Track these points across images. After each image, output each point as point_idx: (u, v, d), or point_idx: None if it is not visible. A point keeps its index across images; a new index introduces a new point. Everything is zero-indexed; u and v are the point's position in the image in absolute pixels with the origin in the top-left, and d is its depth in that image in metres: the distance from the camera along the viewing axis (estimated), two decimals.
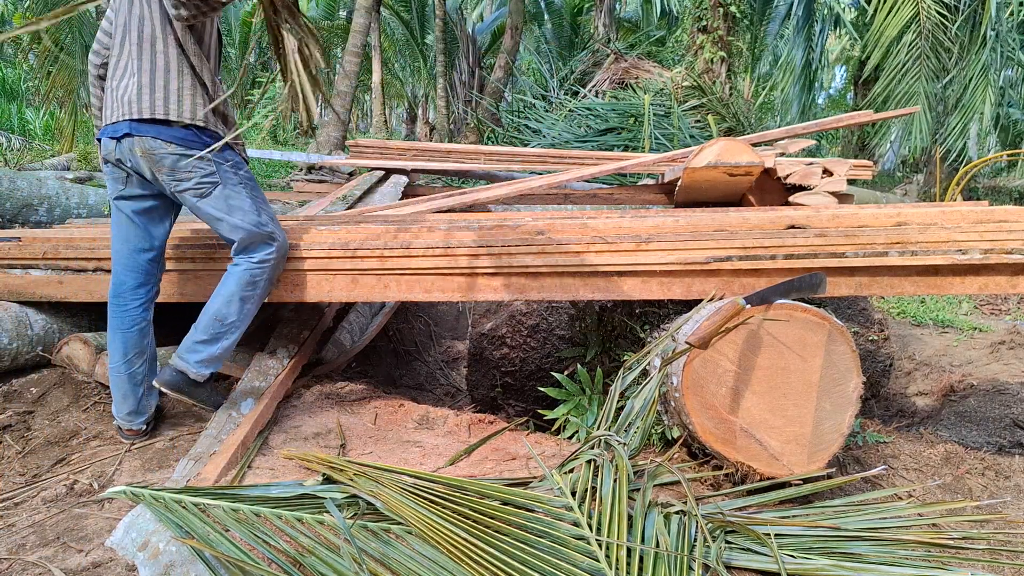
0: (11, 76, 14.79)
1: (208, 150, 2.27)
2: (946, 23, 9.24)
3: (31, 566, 1.73)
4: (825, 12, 12.11)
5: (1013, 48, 9.71)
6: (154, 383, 2.42)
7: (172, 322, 3.22)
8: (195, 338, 2.40)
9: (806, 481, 2.04)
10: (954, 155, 10.29)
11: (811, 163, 3.78)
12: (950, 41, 9.31)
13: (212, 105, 2.33)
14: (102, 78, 2.52)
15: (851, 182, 3.90)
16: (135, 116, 2.25)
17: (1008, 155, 13.33)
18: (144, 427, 2.48)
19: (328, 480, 2.06)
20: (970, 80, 9.33)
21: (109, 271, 2.71)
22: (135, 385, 2.43)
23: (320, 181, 5.56)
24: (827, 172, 3.72)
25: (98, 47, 2.50)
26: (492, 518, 1.81)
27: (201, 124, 2.30)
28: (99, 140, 2.41)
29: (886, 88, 9.49)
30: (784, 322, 2.05)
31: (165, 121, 2.26)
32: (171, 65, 2.28)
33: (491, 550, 1.68)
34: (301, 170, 5.86)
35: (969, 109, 9.33)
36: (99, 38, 2.51)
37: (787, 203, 3.72)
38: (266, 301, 2.70)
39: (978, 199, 10.60)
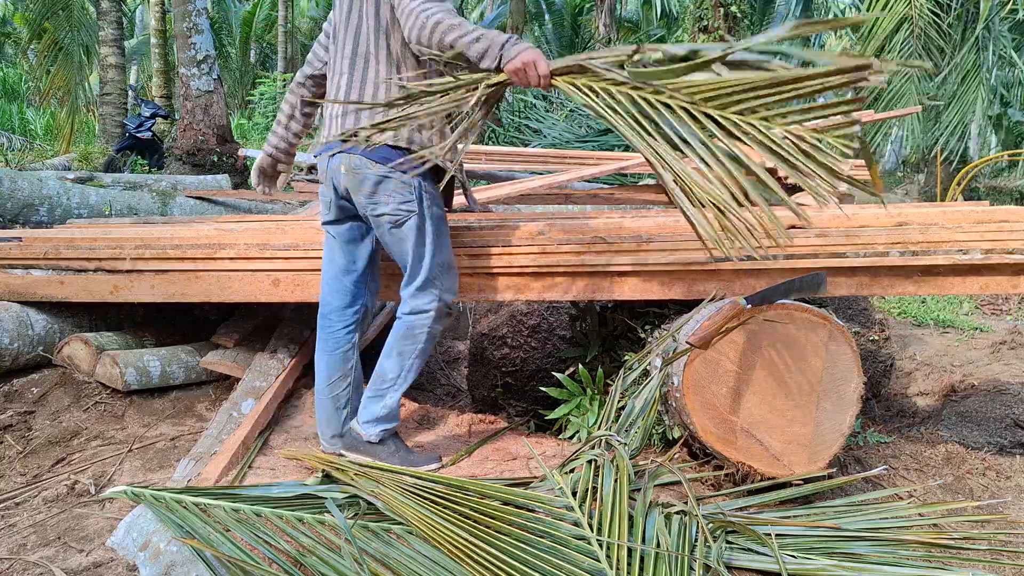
0: (12, 76, 14.80)
1: (408, 161, 2.16)
2: (939, 21, 9.23)
3: (32, 566, 1.73)
4: (823, 12, 12.11)
5: (1005, 47, 9.70)
6: (342, 450, 2.38)
7: (172, 322, 3.22)
8: (366, 396, 2.37)
9: (807, 481, 2.04)
10: (947, 153, 10.28)
11: None
12: (942, 40, 9.29)
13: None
14: (303, 86, 2.52)
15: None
16: (339, 136, 2.20)
17: (1009, 155, 13.34)
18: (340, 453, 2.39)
19: (329, 480, 2.06)
20: (962, 79, 9.31)
21: (109, 271, 2.72)
22: (337, 409, 2.38)
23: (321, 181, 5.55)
24: None
25: (312, 58, 2.49)
26: (493, 518, 1.81)
27: (404, 146, 2.20)
28: (315, 156, 2.38)
29: (878, 86, 9.48)
30: (785, 322, 2.05)
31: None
32: (381, 84, 2.22)
33: (492, 550, 1.68)
34: (302, 170, 5.86)
35: (962, 108, 9.31)
36: (315, 50, 2.48)
37: None
38: (266, 302, 2.71)
39: (979, 199, 10.61)
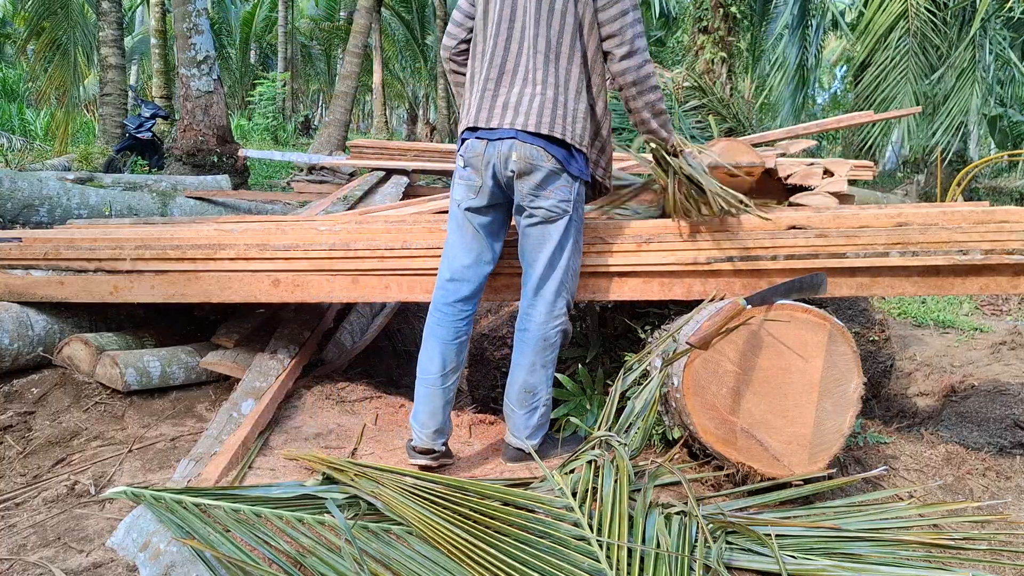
0: (12, 77, 14.80)
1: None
2: (935, 20, 9.22)
3: (32, 566, 1.73)
4: (821, 12, 12.10)
5: (1003, 46, 9.69)
6: (505, 462, 2.39)
7: (173, 322, 3.22)
8: (516, 412, 2.35)
9: (807, 482, 2.04)
10: (940, 152, 10.26)
11: (812, 163, 3.78)
12: (938, 38, 9.28)
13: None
14: (457, 65, 2.47)
15: (852, 182, 3.89)
16: (530, 129, 2.19)
17: (1009, 155, 13.33)
18: (444, 448, 2.34)
19: (329, 480, 2.06)
20: (957, 77, 9.30)
21: (109, 272, 2.72)
22: (446, 402, 2.32)
23: (321, 182, 5.56)
24: (828, 173, 3.71)
25: (458, 32, 2.42)
26: (493, 518, 1.81)
27: (581, 148, 2.25)
28: (462, 141, 2.34)
29: (874, 84, 9.47)
30: (785, 323, 2.05)
31: (555, 139, 2.20)
32: (571, 84, 2.24)
33: (492, 550, 1.68)
34: (302, 171, 5.86)
35: (957, 105, 9.29)
36: (459, 24, 2.41)
37: (788, 203, 3.71)
38: (266, 302, 2.71)
39: (979, 199, 10.60)
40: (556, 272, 2.28)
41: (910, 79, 9.17)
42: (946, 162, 11.71)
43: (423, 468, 2.26)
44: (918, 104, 9.08)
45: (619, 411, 2.33)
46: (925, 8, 9.14)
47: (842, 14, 13.60)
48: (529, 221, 2.28)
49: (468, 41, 2.41)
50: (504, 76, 2.27)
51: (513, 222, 2.41)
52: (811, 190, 3.67)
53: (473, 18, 2.38)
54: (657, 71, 2.28)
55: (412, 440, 2.34)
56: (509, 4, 2.27)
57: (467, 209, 2.32)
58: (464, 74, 2.46)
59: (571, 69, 2.24)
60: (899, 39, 9.24)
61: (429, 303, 2.43)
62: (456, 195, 2.35)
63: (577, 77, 2.24)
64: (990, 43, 9.34)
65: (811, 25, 12.12)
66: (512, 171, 2.21)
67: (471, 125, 2.30)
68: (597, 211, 2.95)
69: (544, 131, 2.18)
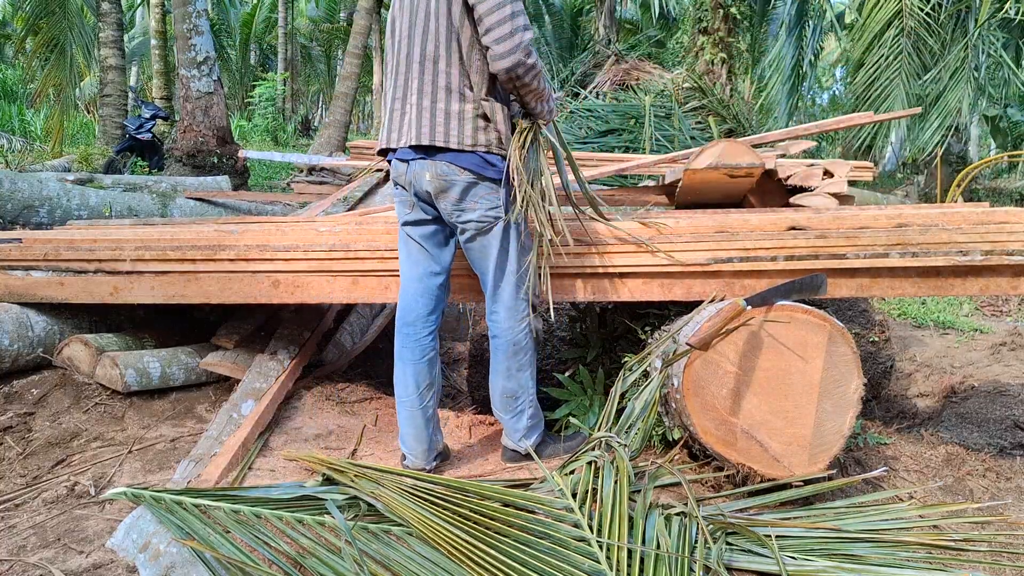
0: (12, 78, 14.80)
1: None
2: (929, 20, 9.22)
3: (32, 567, 1.73)
4: (818, 13, 12.10)
5: (995, 46, 9.68)
6: (504, 462, 2.40)
7: (173, 323, 3.22)
8: (503, 418, 2.38)
9: (807, 482, 2.04)
10: (935, 151, 10.24)
11: (812, 164, 3.78)
12: (932, 38, 9.27)
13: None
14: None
15: (852, 183, 3.90)
16: (415, 143, 2.16)
17: (1009, 156, 13.34)
18: (435, 463, 2.36)
19: (329, 481, 2.06)
20: (950, 77, 9.29)
21: (109, 272, 2.72)
22: (427, 420, 2.32)
23: (321, 183, 5.56)
24: (828, 173, 3.72)
25: None
26: (493, 519, 1.81)
27: (484, 149, 2.16)
28: (388, 160, 2.33)
29: (867, 83, 9.47)
30: (785, 323, 2.05)
31: (448, 148, 2.15)
32: (453, 87, 2.14)
33: (492, 551, 1.68)
34: (302, 171, 5.87)
35: (947, 106, 9.28)
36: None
37: (788, 204, 3.71)
38: (266, 303, 2.71)
39: (979, 200, 10.61)
40: (508, 276, 2.28)
41: (903, 79, 9.17)
42: (945, 162, 11.71)
43: None
44: (911, 104, 9.07)
45: (619, 412, 2.33)
46: (919, 8, 9.14)
47: (840, 17, 13.60)
48: (464, 236, 2.26)
49: None
50: (407, 94, 2.22)
51: None
52: (811, 191, 3.67)
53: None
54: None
55: (405, 460, 2.36)
56: (403, 21, 2.24)
57: (406, 223, 2.33)
58: None
59: (451, 72, 2.14)
60: (894, 38, 9.24)
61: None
62: (396, 212, 2.37)
63: (458, 80, 2.14)
64: (982, 43, 9.34)
65: (808, 26, 12.12)
66: (428, 191, 2.20)
67: (384, 147, 2.30)
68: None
69: (426, 141, 2.13)
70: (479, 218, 2.20)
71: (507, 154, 2.19)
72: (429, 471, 2.32)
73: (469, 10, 2.10)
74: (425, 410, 2.33)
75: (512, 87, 2.14)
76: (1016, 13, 9.18)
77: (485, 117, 2.16)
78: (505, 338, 2.31)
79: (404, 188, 2.27)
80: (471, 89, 2.16)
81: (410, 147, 2.19)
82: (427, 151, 2.17)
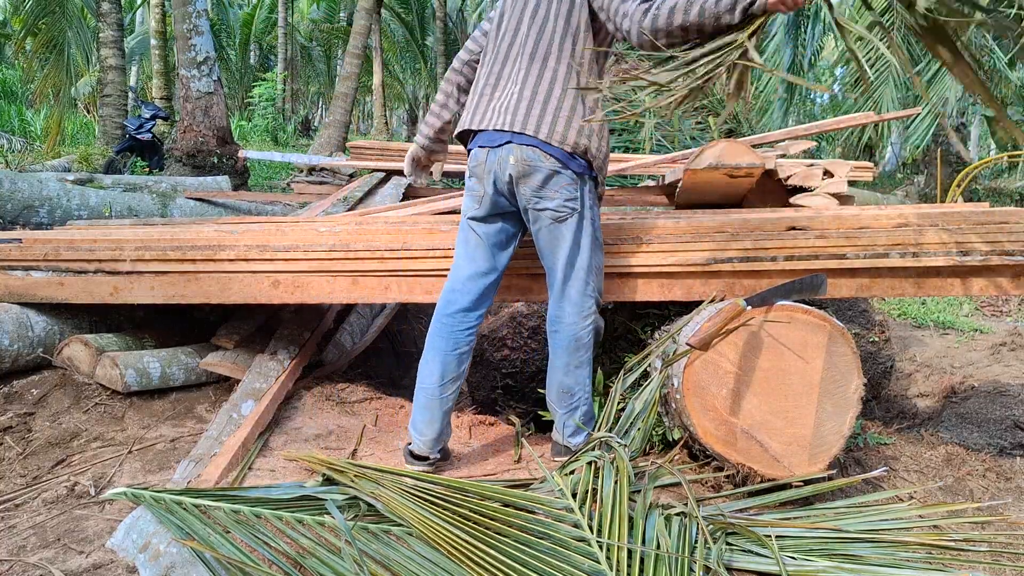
0: (12, 78, 14.80)
1: None
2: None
3: (32, 567, 1.73)
4: (814, 12, 12.09)
5: (986, 39, 9.68)
6: (551, 456, 2.38)
7: (173, 323, 3.22)
8: (557, 412, 2.36)
9: (807, 483, 2.04)
10: (917, 140, 10.21)
11: (812, 164, 3.78)
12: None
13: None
14: (461, 73, 2.51)
15: (852, 183, 3.90)
16: (516, 128, 2.17)
17: (1009, 156, 13.33)
18: (439, 455, 2.35)
19: (329, 481, 2.06)
20: (937, 70, 9.27)
21: (109, 273, 2.72)
22: (445, 411, 2.31)
23: (321, 183, 5.57)
24: (828, 173, 3.72)
25: (472, 45, 2.49)
26: (493, 519, 1.81)
27: (563, 147, 2.19)
28: (468, 152, 2.34)
29: (856, 76, 9.45)
30: (785, 324, 2.05)
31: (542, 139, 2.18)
32: (556, 84, 2.21)
33: (492, 551, 1.68)
34: (302, 172, 5.87)
35: (935, 97, 9.26)
36: (475, 36, 2.50)
37: (788, 204, 3.72)
38: (266, 303, 2.71)
39: (979, 200, 10.61)
40: (578, 271, 2.27)
41: (892, 72, 9.17)
42: (945, 162, 11.71)
43: None
44: (901, 98, 9.08)
45: (619, 412, 2.33)
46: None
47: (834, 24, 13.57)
48: (538, 225, 2.26)
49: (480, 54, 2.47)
50: (500, 81, 2.29)
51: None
52: (811, 191, 3.67)
53: (486, 33, 2.44)
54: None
55: (410, 444, 2.34)
56: (516, 16, 2.32)
57: (471, 219, 2.33)
58: (463, 80, 2.53)
59: (558, 69, 2.23)
60: (883, 36, 9.24)
61: (429, 304, 2.43)
62: (464, 206, 2.36)
63: (564, 78, 2.23)
64: (974, 37, 9.33)
65: (806, 25, 12.12)
66: (511, 175, 2.20)
67: (465, 128, 2.32)
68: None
69: (530, 131, 2.17)
70: (556, 207, 2.21)
71: (581, 153, 2.22)
72: (432, 460, 2.31)
73: (594, 16, 2.23)
74: (444, 401, 2.31)
75: (670, 40, 2.04)
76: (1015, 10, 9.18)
77: (571, 115, 2.21)
78: (567, 333, 2.29)
79: (478, 180, 2.27)
80: (575, 93, 2.23)
81: (498, 130, 2.20)
82: (520, 135, 2.18)
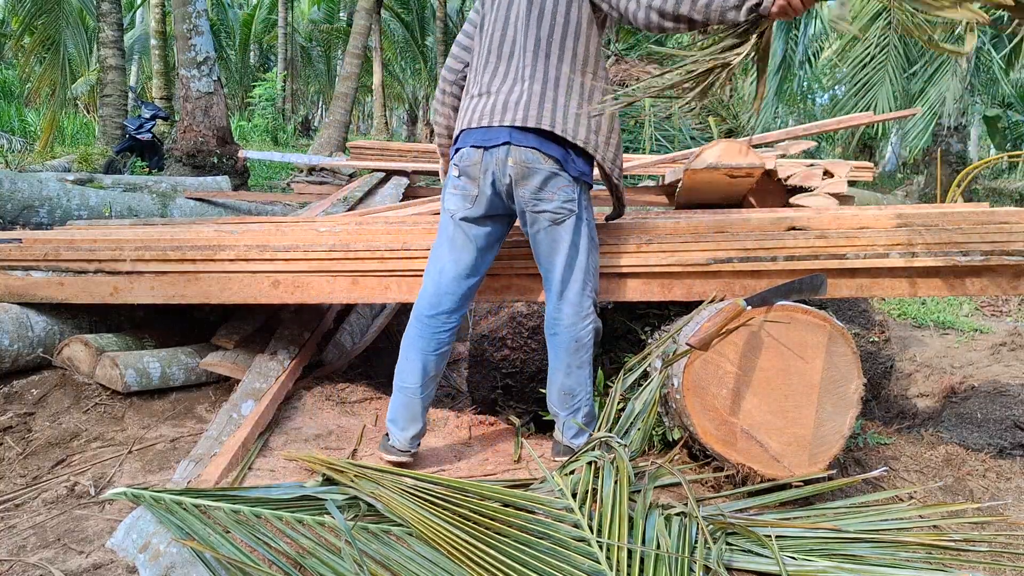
0: (11, 78, 14.81)
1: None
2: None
3: (32, 567, 1.73)
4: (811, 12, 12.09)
5: (983, 40, 9.67)
6: (552, 456, 2.38)
7: (173, 324, 3.22)
8: (559, 414, 2.36)
9: (807, 483, 2.04)
10: (913, 138, 10.21)
11: (812, 165, 3.79)
12: (918, 31, 9.27)
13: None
14: (451, 94, 2.46)
15: (852, 184, 3.90)
16: (519, 124, 2.16)
17: (1009, 156, 13.34)
18: (417, 450, 2.38)
19: (329, 481, 2.06)
20: (935, 71, 9.27)
21: (109, 273, 2.72)
22: (424, 409, 2.34)
23: (321, 183, 5.57)
24: (828, 174, 3.72)
25: (459, 57, 2.43)
26: (493, 519, 1.81)
27: (580, 145, 2.20)
28: (456, 150, 2.31)
29: (850, 75, 9.44)
30: (785, 324, 2.05)
31: (550, 135, 2.18)
32: (561, 82, 2.21)
33: (492, 551, 1.68)
34: (302, 172, 5.87)
35: (933, 98, 9.25)
36: (458, 51, 2.43)
37: (788, 204, 3.72)
38: (266, 303, 2.71)
39: (979, 200, 10.61)
40: (576, 272, 2.27)
41: (889, 72, 9.16)
42: (945, 162, 11.71)
43: (397, 464, 2.29)
44: (896, 98, 9.06)
45: (619, 412, 2.33)
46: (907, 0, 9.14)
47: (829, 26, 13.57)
48: (536, 227, 2.25)
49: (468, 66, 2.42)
50: (495, 79, 2.27)
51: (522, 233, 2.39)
52: (811, 191, 3.68)
53: (472, 39, 2.40)
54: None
55: (389, 439, 2.35)
56: (503, 13, 2.29)
57: (462, 219, 2.29)
58: (457, 97, 2.48)
59: (561, 67, 2.23)
60: (881, 31, 9.23)
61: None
62: (450, 205, 2.31)
63: (567, 76, 2.23)
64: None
65: (799, 24, 12.11)
66: (510, 176, 2.19)
67: (464, 127, 2.29)
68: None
69: (532, 124, 2.16)
70: (555, 208, 2.20)
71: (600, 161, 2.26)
72: (412, 454, 2.33)
73: (594, 7, 2.22)
74: (424, 399, 2.34)
75: (675, 26, 2.08)
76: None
77: (579, 113, 2.21)
78: (567, 335, 2.29)
79: (471, 179, 2.25)
80: (581, 90, 2.23)
81: (500, 127, 2.19)
82: (521, 135, 2.17)
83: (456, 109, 2.48)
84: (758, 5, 1.90)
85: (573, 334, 2.29)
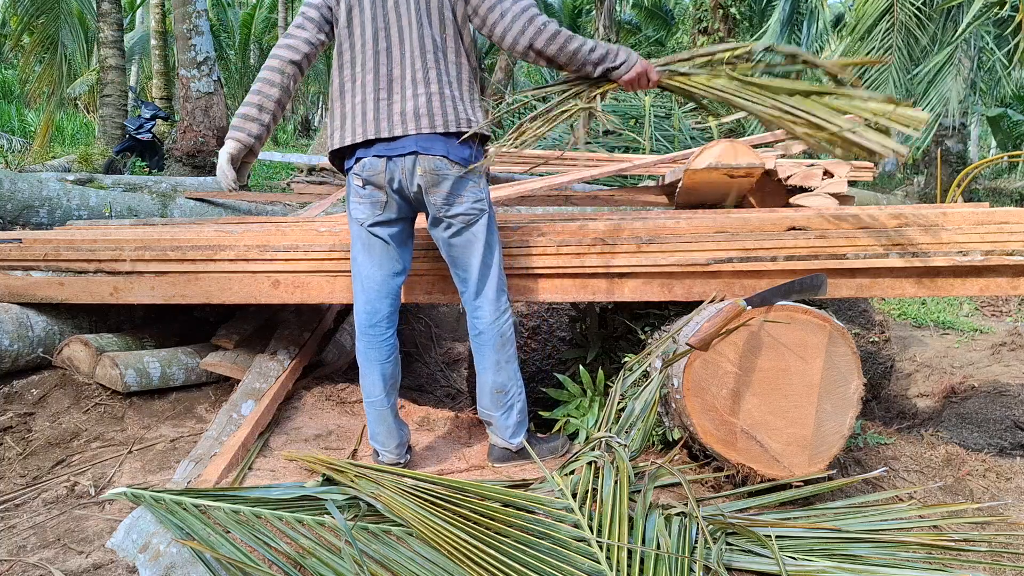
0: (11, 78, 14.82)
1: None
2: (919, 15, 9.23)
3: (32, 567, 1.73)
4: (808, 11, 12.09)
5: (986, 40, 9.67)
6: (492, 463, 2.41)
7: (172, 324, 3.22)
8: (494, 415, 2.38)
9: (807, 483, 2.04)
10: (917, 141, 10.21)
11: (812, 164, 3.78)
12: (922, 32, 9.27)
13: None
14: (291, 75, 2.23)
15: (852, 183, 3.90)
16: (426, 130, 2.15)
17: (1009, 156, 13.34)
18: (408, 456, 2.40)
19: (329, 481, 2.06)
20: (938, 71, 9.28)
21: (109, 273, 2.72)
22: (396, 417, 2.36)
23: (321, 183, 5.56)
24: (828, 174, 3.72)
25: (301, 40, 2.23)
26: (493, 520, 1.81)
27: (477, 130, 2.21)
28: (356, 160, 2.22)
29: (857, 76, 9.44)
30: (785, 324, 2.05)
31: (457, 135, 2.18)
32: (463, 78, 2.25)
33: (492, 552, 1.68)
34: (302, 172, 5.86)
35: (936, 99, 9.26)
36: (303, 31, 2.23)
37: (788, 204, 3.72)
38: (266, 303, 2.71)
39: (979, 200, 10.61)
40: (492, 269, 2.31)
41: (893, 72, 9.16)
42: (945, 162, 11.71)
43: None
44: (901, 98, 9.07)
45: (619, 412, 2.32)
46: (911, 2, 9.15)
47: (839, 18, 13.55)
48: (450, 231, 2.27)
49: (323, 45, 2.29)
50: (394, 83, 2.19)
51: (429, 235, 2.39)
52: (811, 191, 3.67)
53: (330, 23, 2.26)
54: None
55: (380, 457, 2.38)
56: (380, 11, 2.20)
57: (373, 225, 2.27)
58: (297, 81, 2.29)
59: (460, 62, 2.25)
60: (884, 32, 9.24)
61: (429, 304, 2.43)
62: (359, 215, 2.28)
63: (467, 70, 2.26)
64: (973, 38, 9.33)
65: (803, 23, 12.11)
66: (419, 185, 2.19)
67: (369, 138, 2.19)
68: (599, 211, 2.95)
69: (440, 129, 2.16)
70: (467, 210, 2.23)
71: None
72: (403, 465, 2.35)
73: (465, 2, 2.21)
74: (392, 408, 2.36)
75: (539, 59, 2.23)
76: (1009, 10, 9.18)
77: (473, 102, 2.26)
78: (491, 332, 2.33)
79: (376, 187, 2.22)
80: (471, 82, 2.28)
81: (410, 137, 2.16)
82: (428, 144, 2.17)
83: (288, 91, 2.27)
84: (613, 70, 2.20)
85: (497, 329, 2.33)
